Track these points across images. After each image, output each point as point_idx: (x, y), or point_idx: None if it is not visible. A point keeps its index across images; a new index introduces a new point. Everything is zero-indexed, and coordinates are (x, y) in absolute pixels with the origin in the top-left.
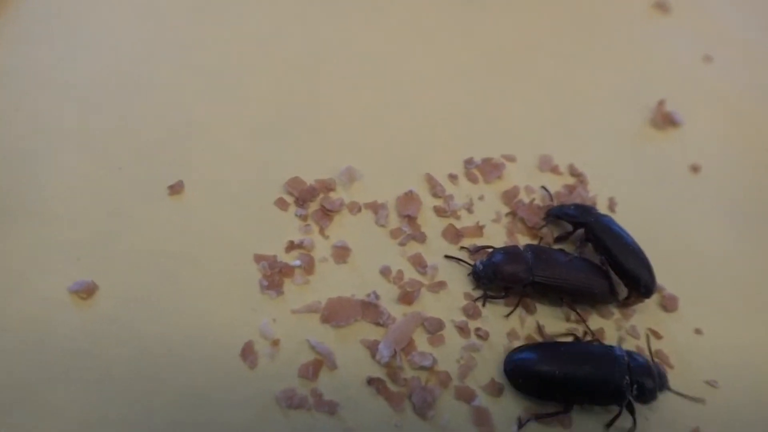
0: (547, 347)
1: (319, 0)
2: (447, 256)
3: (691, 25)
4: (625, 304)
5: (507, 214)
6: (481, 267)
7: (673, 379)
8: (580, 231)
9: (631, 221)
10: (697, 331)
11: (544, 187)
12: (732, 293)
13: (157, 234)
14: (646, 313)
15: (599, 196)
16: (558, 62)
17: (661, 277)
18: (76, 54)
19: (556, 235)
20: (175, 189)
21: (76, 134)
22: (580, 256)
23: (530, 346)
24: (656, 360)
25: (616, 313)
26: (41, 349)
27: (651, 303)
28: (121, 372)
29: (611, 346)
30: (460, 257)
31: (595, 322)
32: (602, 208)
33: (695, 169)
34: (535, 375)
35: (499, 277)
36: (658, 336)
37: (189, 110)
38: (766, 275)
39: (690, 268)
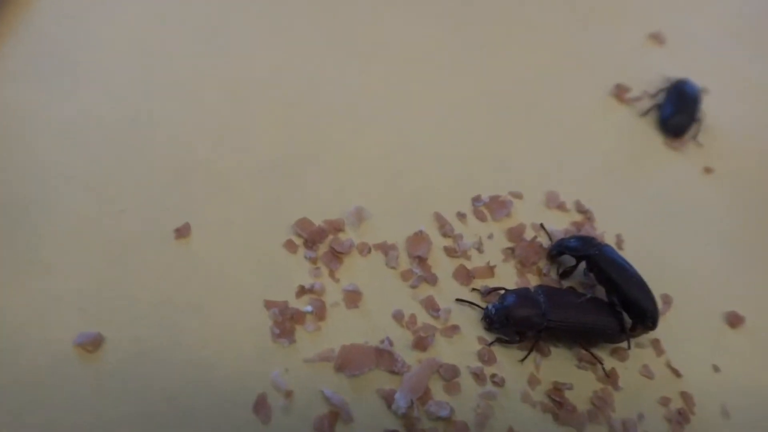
0: None
1: (325, 38)
2: (458, 300)
3: (684, 56)
4: (630, 336)
5: (506, 249)
6: (493, 311)
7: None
8: (584, 264)
9: (638, 258)
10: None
11: (542, 226)
12: (745, 330)
13: (163, 281)
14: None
15: (607, 233)
16: (558, 97)
17: (674, 315)
18: (72, 92)
19: (561, 270)
20: (182, 232)
21: (74, 176)
22: (592, 295)
23: None
24: None
25: (629, 352)
26: (48, 405)
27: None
28: (129, 428)
29: None
30: (471, 300)
31: (608, 361)
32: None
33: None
34: None
35: (512, 321)
36: (677, 374)
37: (194, 149)
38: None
39: (700, 307)
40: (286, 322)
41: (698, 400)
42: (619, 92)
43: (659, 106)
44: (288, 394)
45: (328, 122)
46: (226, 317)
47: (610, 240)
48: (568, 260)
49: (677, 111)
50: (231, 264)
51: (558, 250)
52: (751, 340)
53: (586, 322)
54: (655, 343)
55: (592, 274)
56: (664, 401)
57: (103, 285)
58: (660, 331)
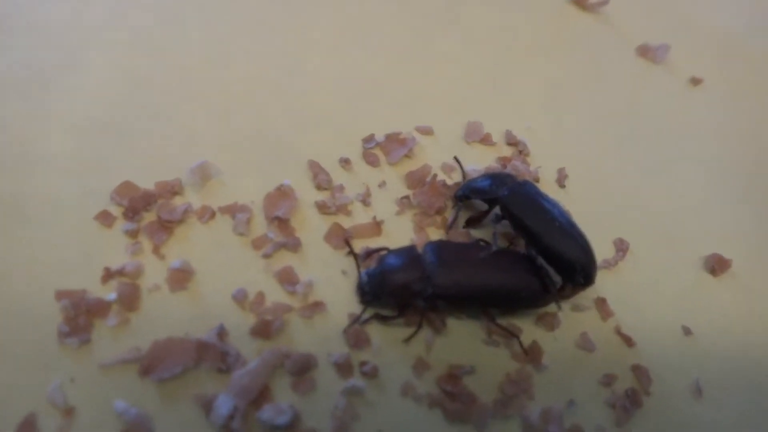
0: None
1: None
2: (347, 242)
3: None
4: (560, 297)
5: (401, 199)
6: (366, 278)
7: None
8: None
9: (588, 197)
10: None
11: (456, 159)
12: (730, 277)
13: None
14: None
15: (544, 168)
16: (493, 5)
17: (630, 265)
18: None
19: (467, 218)
20: None
21: None
22: (504, 248)
23: None
24: None
25: (561, 319)
26: None
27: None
28: None
29: None
30: (357, 254)
31: (530, 332)
32: (549, 184)
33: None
34: None
35: (387, 291)
36: (629, 343)
37: None
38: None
39: (671, 253)
40: (80, 317)
41: (658, 376)
42: None
43: None
44: (67, 412)
45: (173, 60)
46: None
47: (549, 176)
48: (482, 206)
49: None
50: (18, 248)
51: (464, 192)
52: (738, 289)
53: (490, 283)
54: (600, 304)
55: (505, 222)
56: (608, 380)
57: None
58: (609, 288)
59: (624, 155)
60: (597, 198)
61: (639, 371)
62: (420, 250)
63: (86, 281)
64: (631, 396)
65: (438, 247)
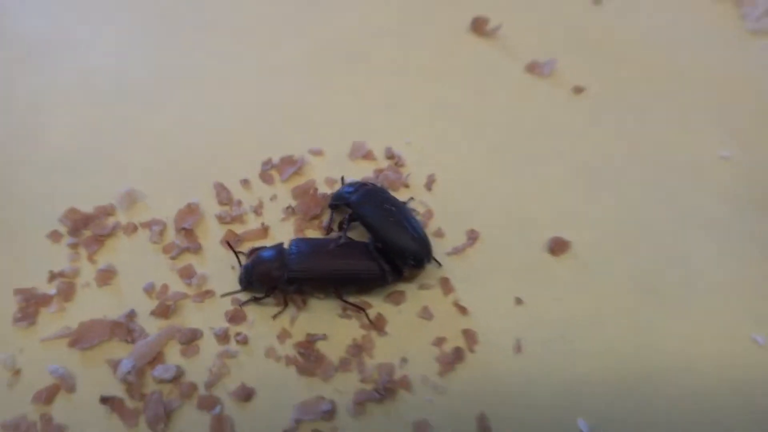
0: None
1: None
2: (228, 243)
3: None
4: (400, 278)
5: (287, 208)
6: (243, 269)
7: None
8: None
9: (452, 196)
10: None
11: (342, 179)
12: (569, 256)
13: None
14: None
15: (414, 175)
16: (386, 39)
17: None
18: None
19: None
20: None
21: None
22: (351, 240)
23: None
24: None
25: (408, 295)
26: None
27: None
28: None
29: None
30: (237, 251)
31: (379, 306)
32: (419, 188)
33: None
34: None
35: (255, 277)
36: (463, 312)
37: None
38: (593, 237)
39: (519, 239)
40: (29, 306)
41: (487, 337)
42: (478, 25)
43: None
44: (16, 372)
45: (113, 112)
46: None
47: (419, 182)
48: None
49: None
50: None
51: (332, 201)
52: (574, 267)
53: (335, 268)
54: (444, 282)
55: (358, 222)
56: (439, 342)
57: None
58: (455, 270)
59: (494, 159)
60: (460, 197)
61: (467, 334)
62: (288, 244)
63: (37, 281)
64: (455, 353)
65: (298, 241)
